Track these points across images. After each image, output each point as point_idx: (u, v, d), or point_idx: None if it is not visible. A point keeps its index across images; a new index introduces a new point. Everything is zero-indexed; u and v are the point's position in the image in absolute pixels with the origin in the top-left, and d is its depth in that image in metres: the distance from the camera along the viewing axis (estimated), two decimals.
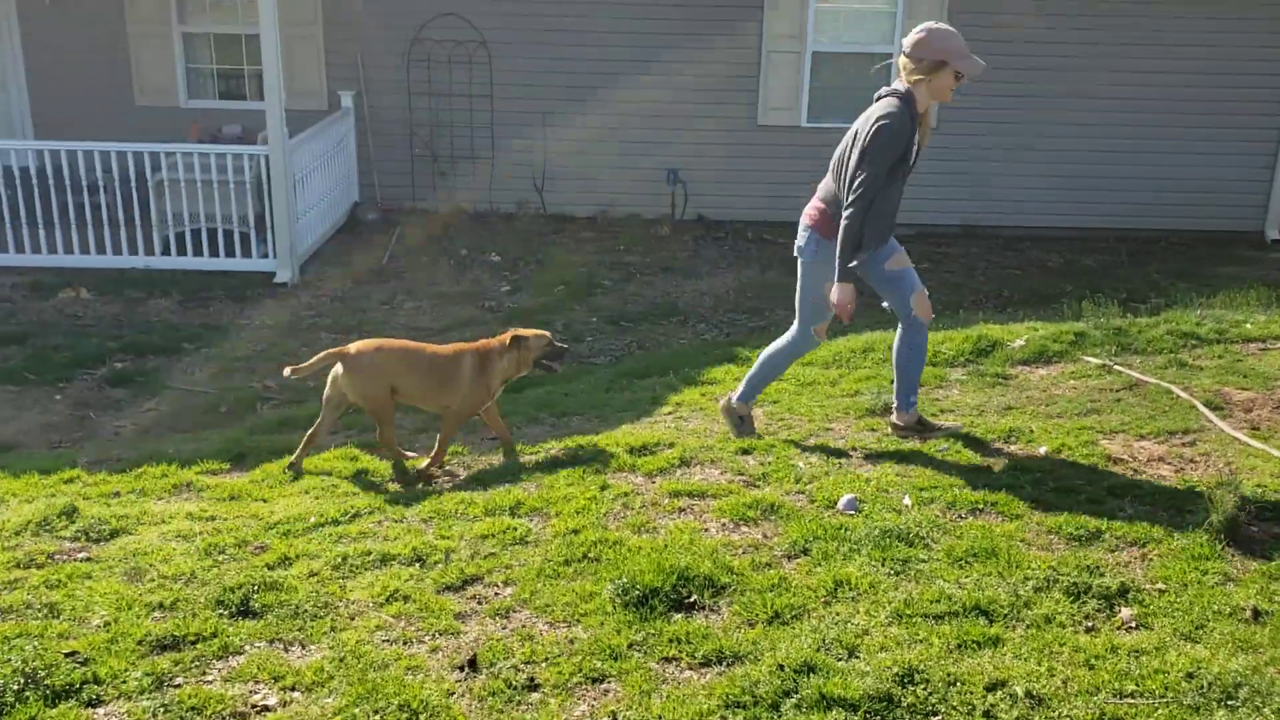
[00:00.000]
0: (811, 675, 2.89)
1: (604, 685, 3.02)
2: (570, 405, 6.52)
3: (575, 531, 4.07)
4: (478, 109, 11.84)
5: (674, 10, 11.62)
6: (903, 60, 4.57)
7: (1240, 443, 4.66)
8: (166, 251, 10.18)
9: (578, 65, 11.74)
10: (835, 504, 4.19)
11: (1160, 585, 3.35)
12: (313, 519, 4.44)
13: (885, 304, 4.96)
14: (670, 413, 6.13)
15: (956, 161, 11.93)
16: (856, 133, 4.62)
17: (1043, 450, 4.75)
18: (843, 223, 4.55)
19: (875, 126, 4.47)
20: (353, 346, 5.31)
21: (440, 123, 11.90)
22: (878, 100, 4.62)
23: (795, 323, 5.11)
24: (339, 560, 3.98)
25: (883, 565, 3.59)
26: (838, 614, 3.28)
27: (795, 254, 4.97)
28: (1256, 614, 3.11)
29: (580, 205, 12.15)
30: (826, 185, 4.81)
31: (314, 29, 11.76)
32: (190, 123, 11.81)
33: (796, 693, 2.83)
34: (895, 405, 5.07)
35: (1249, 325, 6.98)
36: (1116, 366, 6.14)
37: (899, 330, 4.95)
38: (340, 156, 11.53)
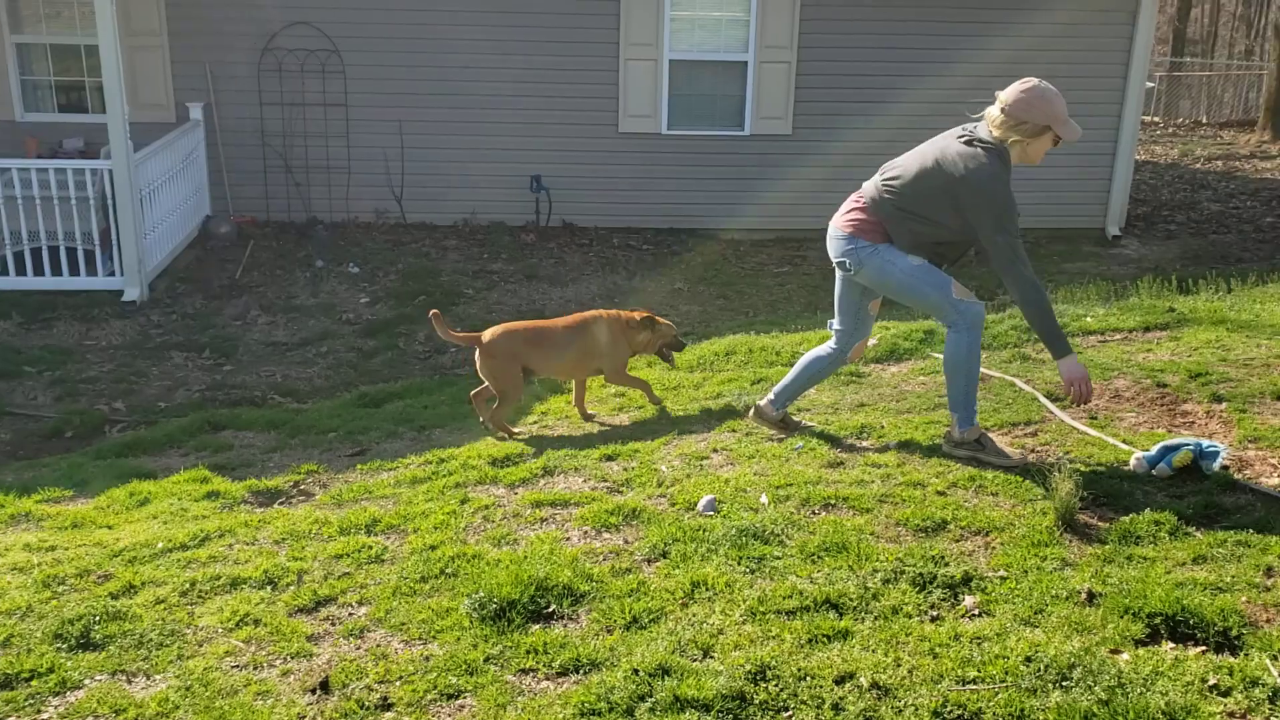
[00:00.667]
0: (666, 678, 2.91)
1: (459, 701, 2.98)
2: (432, 418, 6.43)
3: (433, 547, 4.01)
4: (333, 118, 11.60)
5: (531, 18, 11.60)
6: (999, 115, 4.27)
7: (1079, 432, 4.86)
8: (5, 271, 9.69)
9: (434, 73, 11.62)
10: (695, 506, 4.23)
11: (1002, 573, 3.47)
12: (160, 544, 4.28)
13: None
14: (536, 421, 6.10)
15: (823, 167, 12.19)
16: (940, 165, 4.36)
17: (892, 445, 4.88)
18: (1029, 310, 4.34)
19: (995, 192, 4.25)
20: (487, 333, 5.78)
21: (295, 133, 11.63)
22: (965, 141, 4.34)
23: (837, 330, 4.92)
24: (187, 586, 3.84)
25: (739, 564, 3.63)
26: (694, 615, 3.31)
27: (841, 269, 4.71)
28: (1091, 597, 3.24)
29: (443, 213, 12.02)
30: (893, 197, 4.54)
31: (158, 40, 11.35)
32: (27, 137, 11.27)
33: (651, 696, 2.84)
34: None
35: (1089, 319, 7.30)
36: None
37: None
38: (190, 169, 11.16)
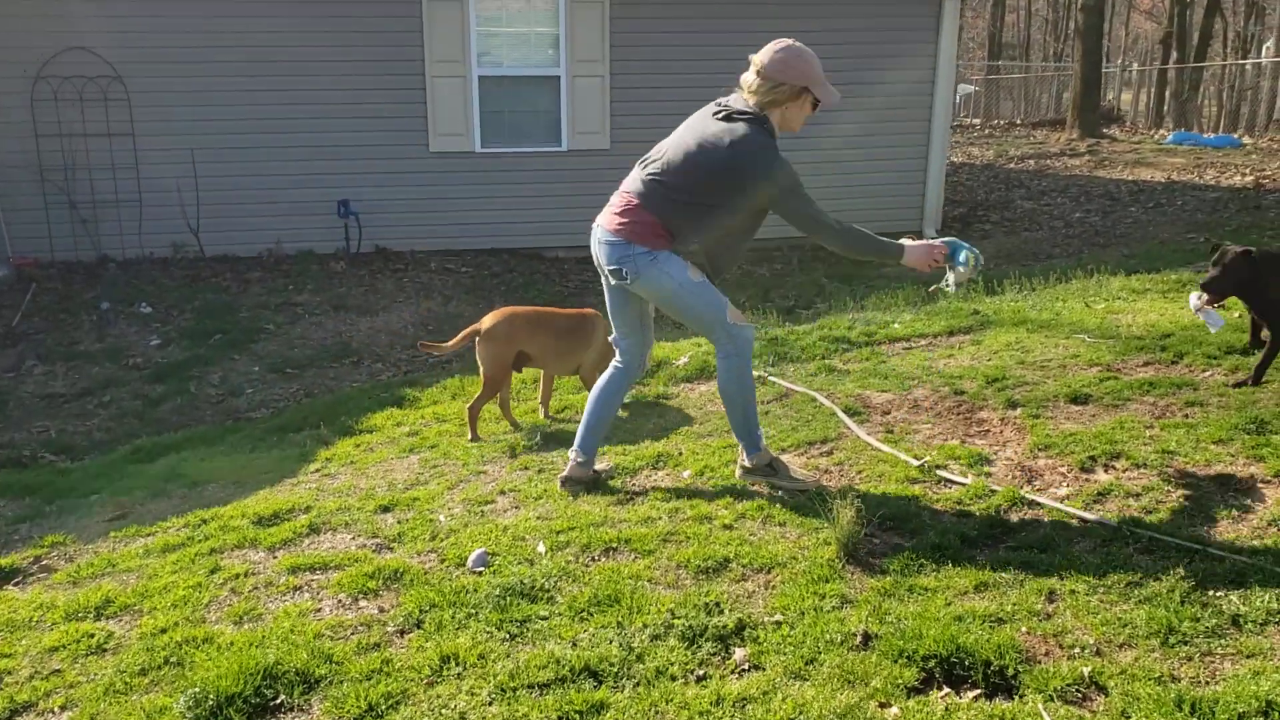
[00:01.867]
0: None
1: None
2: (207, 472, 5.90)
3: (163, 630, 3.55)
4: (119, 148, 10.84)
5: (331, 36, 11.08)
6: (755, 80, 4.06)
7: (873, 449, 4.70)
8: None
9: (228, 97, 10.99)
10: (466, 562, 3.88)
11: (778, 616, 3.23)
12: None
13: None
14: (318, 470, 5.64)
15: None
16: (703, 147, 4.04)
17: (686, 474, 4.63)
18: (851, 250, 4.25)
19: (771, 163, 3.99)
20: (487, 318, 5.74)
21: (77, 165, 10.81)
22: (723, 117, 4.08)
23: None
24: None
25: (499, 630, 3.29)
26: (438, 696, 2.95)
27: (615, 278, 4.23)
28: (866, 639, 3.02)
29: (246, 244, 11.37)
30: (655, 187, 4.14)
31: None
32: None
33: None
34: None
35: (896, 325, 7.24)
36: (770, 377, 6.18)
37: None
38: None
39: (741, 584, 3.51)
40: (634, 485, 4.60)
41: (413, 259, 11.59)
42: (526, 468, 5.02)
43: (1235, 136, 20.10)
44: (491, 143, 11.76)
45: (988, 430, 4.89)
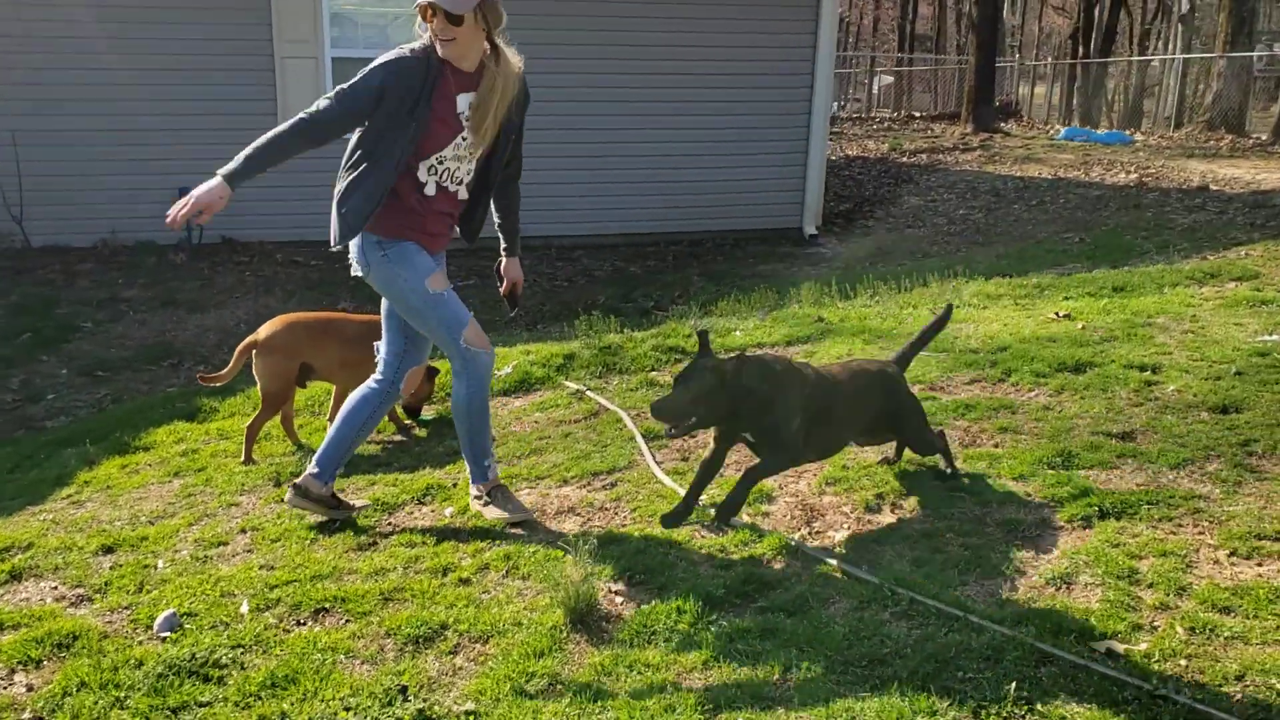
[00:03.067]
0: None
1: None
2: None
3: None
4: None
5: (171, 13, 10.36)
6: None
7: (658, 481, 4.27)
8: None
9: (56, 75, 10.22)
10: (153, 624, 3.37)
11: (469, 705, 2.77)
12: None
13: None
14: (69, 496, 5.06)
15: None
16: None
17: (450, 511, 4.16)
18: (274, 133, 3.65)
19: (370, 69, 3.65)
20: (265, 327, 5.11)
21: None
22: None
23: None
24: None
25: None
26: None
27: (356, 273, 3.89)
28: None
29: (78, 234, 10.61)
30: None
31: None
32: None
33: None
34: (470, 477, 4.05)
35: (738, 333, 6.85)
36: (589, 393, 5.74)
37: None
38: None
39: (450, 658, 3.05)
40: (389, 525, 4.11)
41: (260, 251, 10.93)
42: (280, 501, 4.50)
43: (1126, 133, 20.18)
44: None
45: None
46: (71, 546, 4.15)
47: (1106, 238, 10.68)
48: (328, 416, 5.56)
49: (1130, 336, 5.78)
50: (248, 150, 3.57)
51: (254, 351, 5.13)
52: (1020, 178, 15.12)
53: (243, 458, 5.15)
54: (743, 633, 3.01)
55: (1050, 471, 3.97)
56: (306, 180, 11.07)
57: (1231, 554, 3.27)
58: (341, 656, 3.06)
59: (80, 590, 3.75)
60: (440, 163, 3.75)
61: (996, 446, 4.35)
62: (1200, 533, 3.42)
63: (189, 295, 9.67)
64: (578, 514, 4.05)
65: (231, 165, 3.54)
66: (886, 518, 3.76)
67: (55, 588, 3.80)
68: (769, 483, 4.09)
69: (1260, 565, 3.21)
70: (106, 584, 3.77)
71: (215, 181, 3.53)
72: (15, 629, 3.44)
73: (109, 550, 4.10)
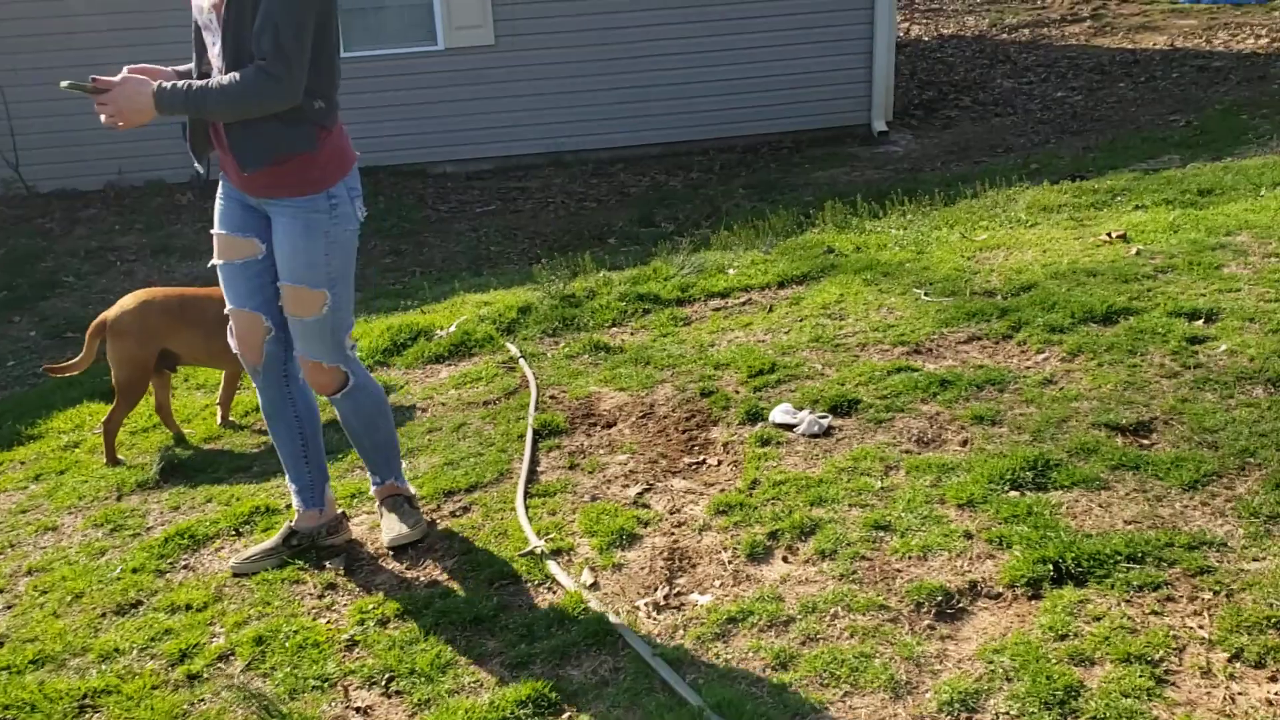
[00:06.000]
0: None
1: None
2: None
3: None
4: None
5: None
6: None
7: (513, 509, 3.35)
8: None
9: (44, 8, 9.60)
10: None
11: None
12: None
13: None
14: None
15: (538, 80, 10.48)
16: None
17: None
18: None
19: None
20: (114, 308, 4.36)
21: None
22: None
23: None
24: None
25: None
26: None
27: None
28: None
29: (84, 177, 10.10)
30: None
31: None
32: None
33: None
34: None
35: (731, 271, 5.82)
36: (522, 360, 4.84)
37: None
38: None
39: None
40: (183, 567, 3.33)
41: None
42: (107, 521, 3.78)
43: None
44: (356, 45, 10.23)
45: (700, 464, 3.52)
46: None
47: (1217, 119, 9.08)
48: (218, 399, 4.80)
49: (1193, 266, 4.53)
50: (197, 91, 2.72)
51: (105, 335, 4.38)
52: (1131, 50, 13.27)
53: (106, 459, 4.45)
54: None
55: (1011, 495, 2.91)
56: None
57: (1234, 657, 2.19)
58: None
59: None
60: (210, 46, 2.88)
61: (963, 445, 3.28)
62: (1196, 613, 2.33)
63: (185, 240, 9.05)
64: (402, 559, 3.17)
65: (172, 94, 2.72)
66: (773, 570, 2.77)
67: None
68: (658, 506, 3.13)
69: (1276, 681, 2.12)
70: None
71: (147, 99, 2.74)
72: None
73: None
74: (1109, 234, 5.23)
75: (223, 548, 3.43)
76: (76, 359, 4.52)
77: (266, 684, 2.58)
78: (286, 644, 2.71)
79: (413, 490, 3.36)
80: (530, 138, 10.78)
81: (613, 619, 2.56)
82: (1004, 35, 15.81)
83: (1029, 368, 3.80)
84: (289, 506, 3.60)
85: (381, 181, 10.36)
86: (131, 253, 8.85)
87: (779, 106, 11.14)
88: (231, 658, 2.73)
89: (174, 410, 4.79)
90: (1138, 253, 4.86)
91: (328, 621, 2.81)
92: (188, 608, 3.01)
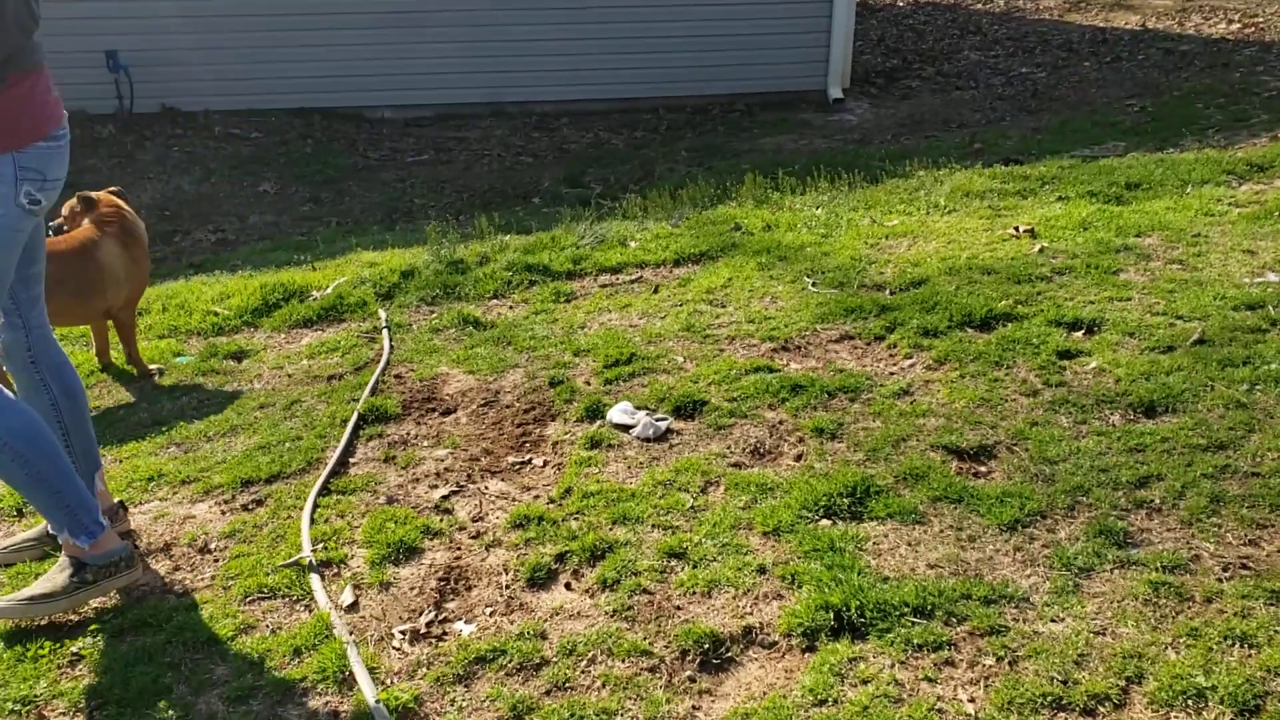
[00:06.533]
0: None
1: None
2: None
3: None
4: None
5: None
6: None
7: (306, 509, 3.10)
8: None
9: None
10: None
11: None
12: None
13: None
14: None
15: (481, 27, 10.11)
16: None
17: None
18: None
19: None
20: None
21: None
22: None
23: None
24: None
25: None
26: None
27: None
28: None
29: None
30: None
31: None
32: None
33: None
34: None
35: (633, 244, 5.55)
36: (385, 334, 4.58)
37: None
38: None
39: None
40: None
41: (204, 121, 9.85)
42: None
43: None
44: None
45: (525, 464, 3.28)
46: None
47: (1172, 106, 8.80)
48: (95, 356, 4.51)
49: (1090, 269, 4.29)
50: None
51: None
52: (1103, 29, 12.92)
53: None
54: None
55: (823, 524, 2.67)
56: (250, 43, 9.94)
57: None
58: None
59: None
60: None
61: (797, 460, 3.04)
62: (973, 681, 2.11)
63: (98, 177, 8.67)
64: (170, 557, 2.91)
65: None
66: (550, 598, 2.54)
67: None
68: (425, 531, 2.88)
69: None
70: None
71: None
72: None
73: None
74: (1017, 228, 4.97)
75: None
76: None
77: None
78: (4, 655, 2.47)
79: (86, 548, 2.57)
80: (472, 85, 10.42)
81: (351, 653, 2.31)
82: (979, 5, 15.43)
83: (891, 374, 3.56)
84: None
85: (314, 124, 10.01)
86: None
87: (732, 68, 10.80)
88: None
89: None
90: (1041, 250, 4.61)
91: (63, 630, 2.56)
92: None
